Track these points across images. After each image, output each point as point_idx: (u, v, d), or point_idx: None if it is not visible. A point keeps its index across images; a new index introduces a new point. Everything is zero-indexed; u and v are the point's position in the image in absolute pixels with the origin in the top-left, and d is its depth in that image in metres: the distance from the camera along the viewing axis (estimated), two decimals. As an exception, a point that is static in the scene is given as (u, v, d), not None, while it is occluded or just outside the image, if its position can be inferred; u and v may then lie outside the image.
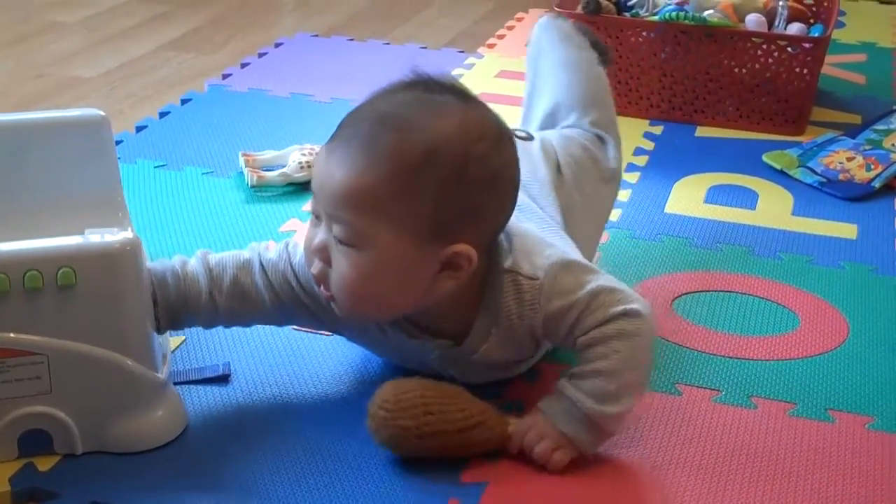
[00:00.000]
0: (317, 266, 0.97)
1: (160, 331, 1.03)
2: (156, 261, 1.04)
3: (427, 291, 0.96)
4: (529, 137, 1.20)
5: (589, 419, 0.95)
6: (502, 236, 1.01)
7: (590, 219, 1.22)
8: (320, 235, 0.96)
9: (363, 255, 0.93)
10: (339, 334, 1.10)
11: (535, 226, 1.07)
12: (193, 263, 1.04)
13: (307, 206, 1.48)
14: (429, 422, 0.95)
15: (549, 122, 1.30)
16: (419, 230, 0.92)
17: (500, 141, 0.96)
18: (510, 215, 1.00)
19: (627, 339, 0.96)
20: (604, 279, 0.99)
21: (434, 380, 0.98)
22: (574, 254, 1.02)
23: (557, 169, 1.18)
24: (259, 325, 1.19)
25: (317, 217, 0.97)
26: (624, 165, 1.29)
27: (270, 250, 1.05)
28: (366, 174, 0.91)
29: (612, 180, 1.27)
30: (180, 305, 1.03)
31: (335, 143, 0.94)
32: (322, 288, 0.98)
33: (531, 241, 1.02)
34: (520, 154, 1.09)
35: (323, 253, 0.95)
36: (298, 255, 1.03)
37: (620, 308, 0.96)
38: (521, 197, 1.09)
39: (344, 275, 0.94)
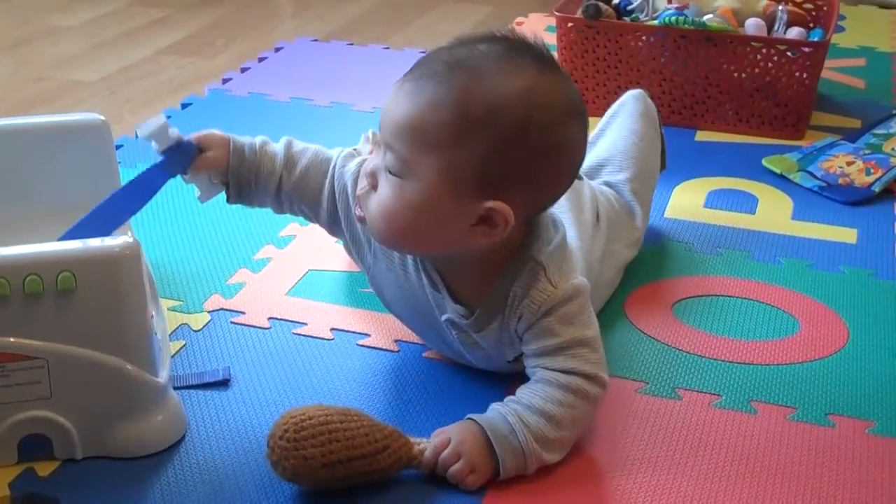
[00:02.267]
0: (363, 187, 1.00)
1: (229, 201, 1.09)
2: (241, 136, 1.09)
3: (459, 241, 0.97)
4: (580, 178, 1.24)
5: (522, 452, 0.96)
6: (553, 231, 1.02)
7: (612, 272, 1.25)
8: (374, 160, 0.99)
9: (405, 187, 0.95)
10: (370, 274, 1.11)
11: (575, 248, 1.10)
12: (276, 145, 1.10)
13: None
14: (334, 449, 0.91)
15: (596, 170, 1.35)
16: (463, 179, 0.94)
17: (568, 115, 0.96)
18: (561, 192, 1.01)
19: (585, 401, 0.98)
20: (596, 337, 1.01)
21: (334, 405, 0.96)
22: (589, 296, 1.03)
23: (597, 216, 1.22)
24: (259, 333, 1.19)
25: (378, 145, 1.00)
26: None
27: (351, 159, 1.09)
28: (426, 112, 0.93)
29: (635, 245, 1.32)
30: (251, 179, 1.08)
31: (409, 77, 0.97)
32: (357, 207, 1.02)
33: (572, 257, 1.04)
34: (573, 192, 1.16)
35: (372, 178, 0.98)
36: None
37: (593, 370, 0.99)
38: (570, 220, 1.14)
39: (383, 200, 0.97)
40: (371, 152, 1.03)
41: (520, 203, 0.96)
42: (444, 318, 1.04)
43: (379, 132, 0.98)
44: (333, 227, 1.11)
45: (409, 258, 1.04)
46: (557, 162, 0.97)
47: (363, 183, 1.00)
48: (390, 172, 0.96)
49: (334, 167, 1.09)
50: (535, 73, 0.95)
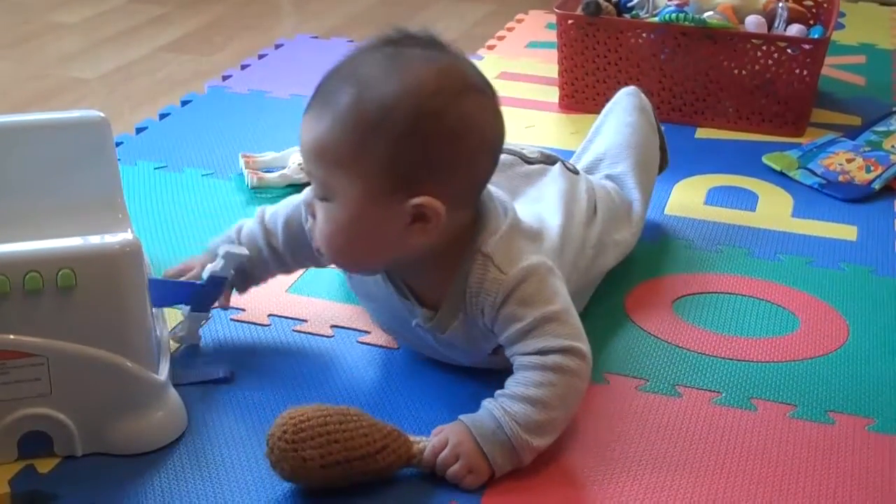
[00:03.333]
0: (308, 220, 1.04)
1: (241, 291, 1.15)
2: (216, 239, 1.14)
3: (401, 246, 0.99)
4: (576, 172, 1.26)
5: (511, 445, 0.96)
6: (501, 217, 1.02)
7: (612, 259, 1.26)
8: (307, 194, 1.03)
9: (333, 208, 0.98)
10: (352, 289, 1.14)
11: (554, 231, 1.11)
12: (250, 223, 1.14)
13: (307, 207, 1.49)
14: (333, 451, 0.91)
15: (595, 165, 1.37)
16: (378, 183, 0.96)
17: (461, 95, 0.96)
18: (485, 172, 1.01)
19: (564, 375, 0.98)
20: (563, 310, 1.00)
21: (333, 405, 0.96)
22: (555, 272, 1.03)
23: (594, 209, 1.23)
24: (259, 330, 1.19)
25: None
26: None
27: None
28: (327, 131, 0.96)
29: (636, 233, 1.32)
30: (245, 268, 1.12)
31: (309, 104, 0.99)
32: (312, 239, 1.04)
33: (523, 237, 1.04)
34: (567, 183, 1.18)
35: (310, 208, 1.02)
36: None
37: (566, 343, 0.98)
38: (557, 207, 1.14)
39: (321, 226, 1.00)
40: None
41: (443, 192, 0.96)
42: (414, 323, 1.05)
43: None
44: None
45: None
46: (463, 143, 0.97)
47: (308, 217, 1.04)
48: (319, 199, 0.99)
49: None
50: (420, 64, 0.96)
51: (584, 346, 0.99)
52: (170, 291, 1.08)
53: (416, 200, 0.95)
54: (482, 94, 0.98)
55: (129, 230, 1.01)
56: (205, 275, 1.09)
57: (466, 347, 1.06)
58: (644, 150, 1.38)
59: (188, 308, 1.10)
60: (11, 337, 0.93)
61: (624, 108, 1.41)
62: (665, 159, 1.46)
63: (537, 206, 1.15)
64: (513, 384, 0.98)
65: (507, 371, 1.05)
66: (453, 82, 0.96)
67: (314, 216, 1.01)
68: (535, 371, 0.98)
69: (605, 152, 1.37)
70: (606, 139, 1.39)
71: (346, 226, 0.97)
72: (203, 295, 1.09)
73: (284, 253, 1.13)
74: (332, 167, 0.96)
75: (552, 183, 1.21)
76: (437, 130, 0.95)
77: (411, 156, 0.95)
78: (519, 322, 0.99)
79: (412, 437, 0.97)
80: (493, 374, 1.09)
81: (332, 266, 1.16)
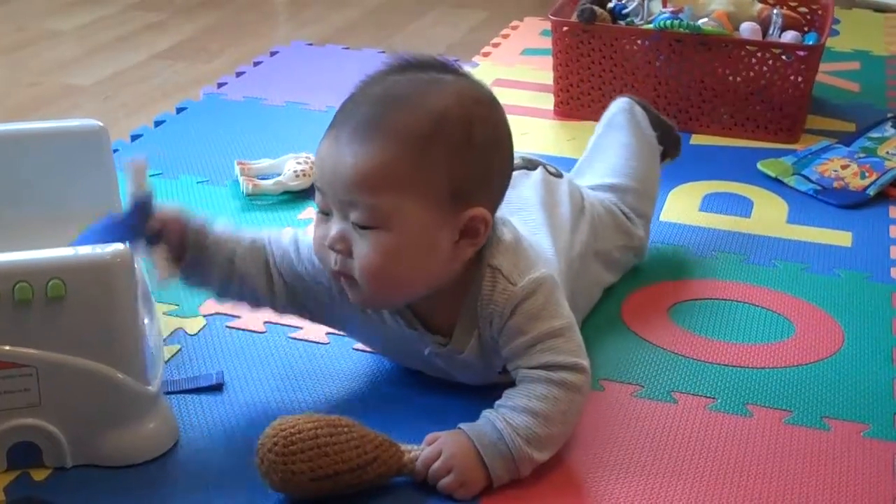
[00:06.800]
0: (337, 260, 0.96)
1: (182, 266, 1.01)
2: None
3: (446, 264, 0.97)
4: (559, 175, 1.24)
5: (511, 456, 0.95)
6: (501, 230, 1.02)
7: (601, 270, 1.24)
8: (335, 228, 0.95)
9: (388, 235, 0.94)
10: (340, 327, 1.10)
11: (546, 243, 1.10)
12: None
13: (303, 214, 1.48)
14: (323, 464, 0.91)
15: (593, 189, 1.33)
16: (439, 198, 0.94)
17: (494, 104, 0.99)
18: (510, 178, 1.02)
19: (569, 392, 0.97)
20: (567, 325, 1.00)
21: (325, 414, 0.95)
22: (559, 287, 1.02)
23: (580, 212, 1.21)
24: (255, 337, 1.19)
25: (324, 213, 0.97)
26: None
27: (283, 237, 1.06)
28: (379, 154, 0.92)
29: (636, 253, 1.31)
30: (202, 247, 1.02)
31: (338, 131, 0.95)
32: (343, 280, 0.97)
33: (525, 248, 1.03)
34: (545, 188, 1.17)
35: (342, 243, 0.95)
36: (306, 245, 1.03)
37: (570, 359, 0.98)
38: (540, 216, 1.13)
39: (370, 259, 0.94)
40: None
41: (487, 202, 0.97)
42: (427, 351, 1.04)
43: (327, 195, 0.95)
44: (291, 307, 1.07)
45: None
46: (504, 151, 0.99)
47: (335, 258, 0.96)
48: (363, 227, 0.94)
49: (273, 252, 1.04)
50: (451, 78, 0.98)
51: (587, 362, 0.99)
52: (101, 238, 0.97)
53: (471, 212, 0.95)
54: (500, 105, 1.01)
55: (122, 239, 1.00)
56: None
57: (481, 366, 1.04)
58: (640, 173, 1.35)
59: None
60: (2, 347, 0.93)
61: (618, 126, 1.38)
62: (675, 148, 1.43)
63: (520, 214, 1.13)
64: (516, 395, 0.98)
65: (501, 384, 1.05)
66: (485, 93, 0.99)
67: (346, 253, 0.95)
68: (542, 384, 0.97)
69: (602, 176, 1.33)
70: (600, 167, 1.36)
71: (403, 251, 0.94)
72: (129, 224, 0.98)
73: (239, 267, 1.03)
74: (388, 191, 0.92)
75: (532, 191, 1.18)
76: (487, 137, 0.96)
77: (468, 165, 0.95)
78: (524, 335, 0.99)
79: (403, 447, 0.97)
80: (486, 385, 1.08)
81: (273, 310, 1.08)
